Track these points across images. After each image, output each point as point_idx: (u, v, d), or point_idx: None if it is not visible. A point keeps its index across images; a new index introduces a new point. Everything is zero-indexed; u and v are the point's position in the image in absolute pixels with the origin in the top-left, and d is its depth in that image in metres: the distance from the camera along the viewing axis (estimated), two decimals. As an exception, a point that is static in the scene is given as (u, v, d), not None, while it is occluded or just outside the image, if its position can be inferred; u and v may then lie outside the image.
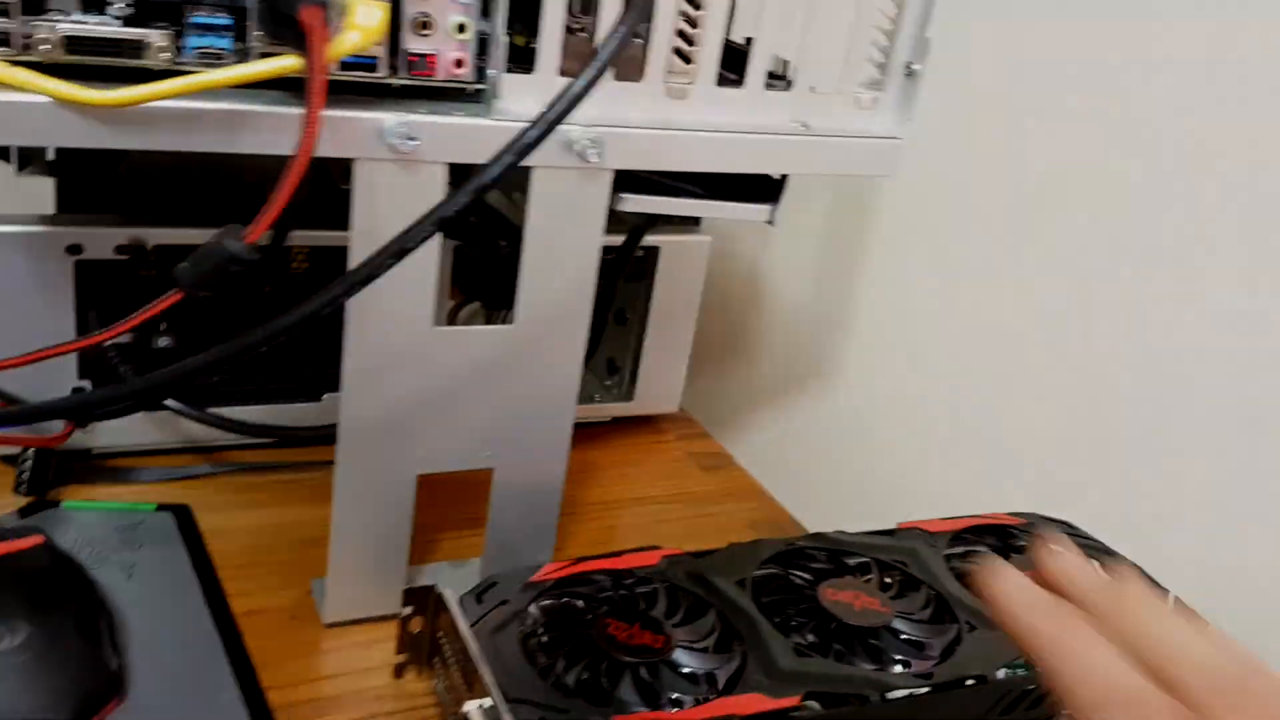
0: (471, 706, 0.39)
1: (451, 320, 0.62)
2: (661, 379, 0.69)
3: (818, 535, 0.52)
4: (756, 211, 0.49)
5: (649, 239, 0.64)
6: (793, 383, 0.79)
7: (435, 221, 0.32)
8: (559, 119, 0.33)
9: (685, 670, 0.42)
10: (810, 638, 0.45)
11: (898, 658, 0.44)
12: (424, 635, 0.44)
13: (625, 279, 0.66)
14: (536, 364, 0.46)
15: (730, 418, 0.83)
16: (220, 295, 0.32)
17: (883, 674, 0.43)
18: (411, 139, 0.38)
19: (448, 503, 0.57)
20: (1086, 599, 0.31)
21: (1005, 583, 0.32)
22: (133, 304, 0.37)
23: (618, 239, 0.59)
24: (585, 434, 0.69)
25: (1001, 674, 0.44)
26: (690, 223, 0.67)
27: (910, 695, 0.42)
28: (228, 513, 0.55)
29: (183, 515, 0.53)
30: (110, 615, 0.44)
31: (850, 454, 0.75)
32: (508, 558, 0.50)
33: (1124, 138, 0.56)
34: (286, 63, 0.33)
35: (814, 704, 0.41)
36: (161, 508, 0.54)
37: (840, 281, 0.74)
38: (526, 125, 0.34)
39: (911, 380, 0.70)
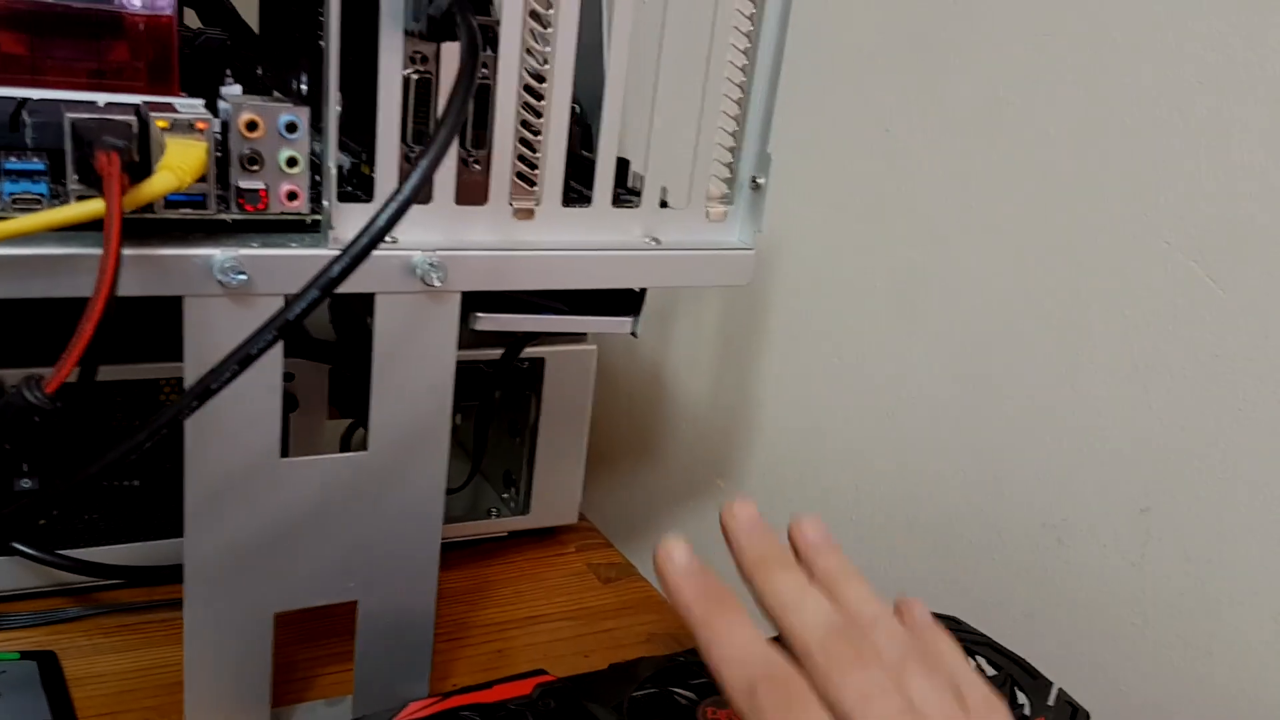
0: None
1: (346, 443, 0.61)
2: (558, 490, 0.69)
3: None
4: (618, 324, 0.49)
5: (534, 350, 0.64)
6: (697, 486, 0.79)
7: (239, 360, 0.32)
8: (362, 253, 0.33)
9: (552, 805, 0.40)
10: (685, 760, 0.43)
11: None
12: (282, 782, 0.42)
13: (515, 392, 0.66)
14: (395, 490, 0.45)
15: (634, 524, 0.82)
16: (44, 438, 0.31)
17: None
18: (240, 273, 0.37)
19: (324, 635, 0.56)
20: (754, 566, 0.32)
21: (671, 559, 0.33)
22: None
23: (496, 353, 0.59)
24: (482, 550, 0.68)
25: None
26: (575, 333, 0.67)
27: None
28: (96, 657, 0.53)
29: (46, 662, 0.51)
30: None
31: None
32: (381, 692, 0.48)
33: (991, 226, 0.58)
34: (91, 205, 0.33)
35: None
36: (25, 655, 0.51)
37: (741, 379, 0.75)
38: (332, 258, 0.34)
39: (808, 479, 0.70)
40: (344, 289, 0.40)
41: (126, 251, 0.36)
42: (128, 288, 0.37)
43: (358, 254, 0.33)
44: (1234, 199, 0.48)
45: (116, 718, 0.49)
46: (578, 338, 0.67)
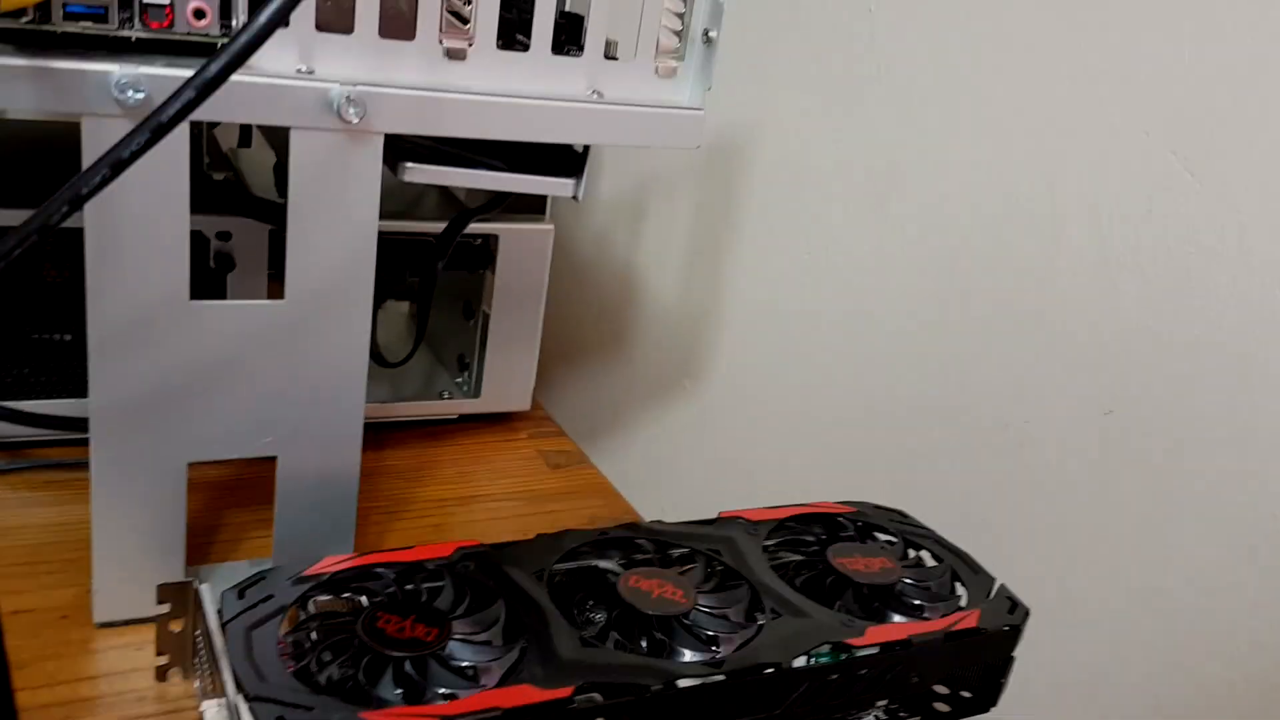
0: (209, 705, 0.37)
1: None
2: (510, 374, 0.67)
3: (632, 525, 0.49)
4: (559, 185, 0.47)
5: (487, 227, 0.62)
6: (664, 384, 0.77)
7: (111, 163, 0.30)
8: (242, 51, 0.31)
9: (457, 664, 0.39)
10: (599, 624, 0.42)
11: (692, 647, 0.42)
12: (186, 634, 0.42)
13: (469, 271, 0.64)
14: (314, 343, 0.43)
15: (597, 420, 0.81)
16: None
17: (671, 663, 0.41)
18: (138, 91, 0.35)
19: (254, 502, 0.55)
20: None
21: None
22: None
23: (441, 226, 0.57)
24: (431, 432, 0.67)
25: (799, 662, 0.42)
26: (533, 210, 0.65)
27: (700, 685, 0.40)
28: (20, 510, 0.52)
29: (-34, 514, 0.50)
30: None
31: (708, 453, 0.73)
32: (302, 553, 0.47)
33: (975, 117, 0.55)
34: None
35: (595, 695, 0.38)
36: (-53, 507, 0.50)
37: (711, 278, 0.73)
38: (184, 80, 0.32)
39: (775, 377, 0.69)
40: (258, 119, 0.38)
41: (20, 61, 0.34)
42: (23, 101, 0.35)
43: (237, 51, 0.30)
44: (1213, 89, 0.45)
45: (33, 568, 0.48)
46: (534, 217, 0.65)
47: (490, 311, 0.65)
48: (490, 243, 0.63)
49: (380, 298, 0.61)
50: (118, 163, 0.30)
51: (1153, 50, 0.47)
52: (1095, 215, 0.50)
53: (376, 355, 0.59)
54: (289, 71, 0.38)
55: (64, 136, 0.36)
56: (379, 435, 0.64)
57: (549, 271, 0.65)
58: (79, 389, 0.55)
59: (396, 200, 0.64)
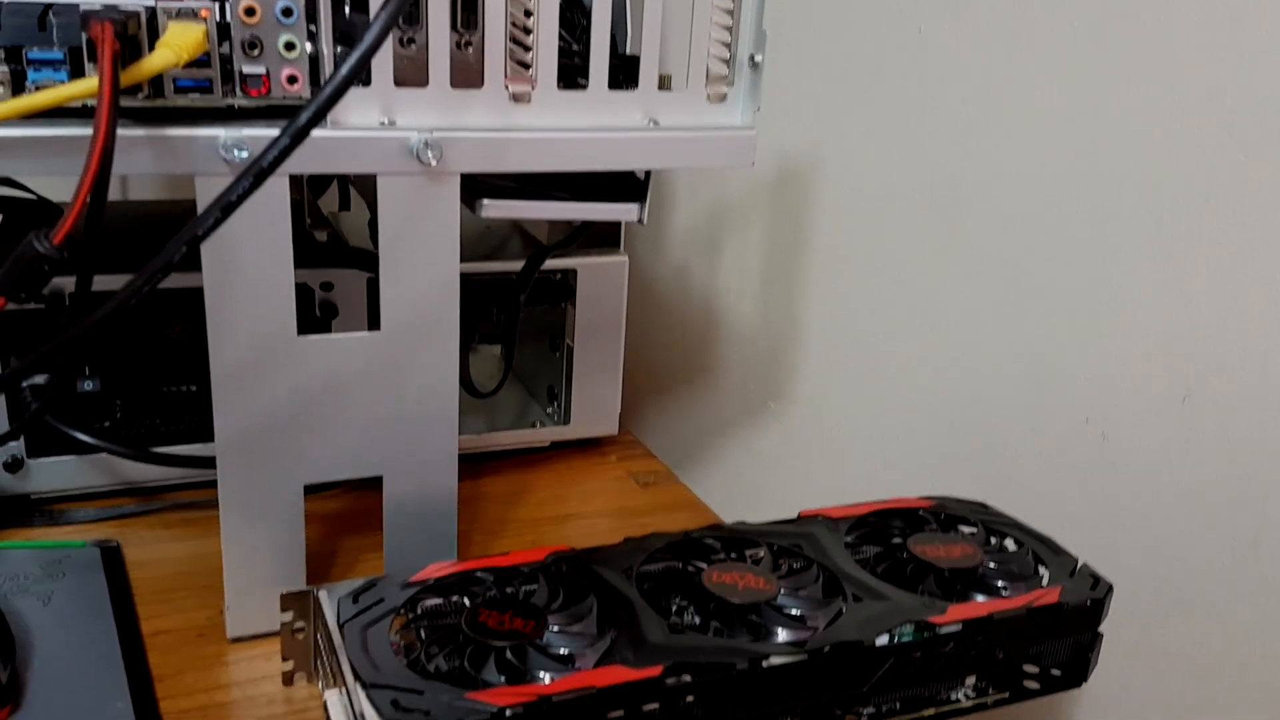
0: (331, 695, 0.40)
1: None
2: (597, 400, 0.70)
3: (715, 526, 0.52)
4: (624, 210, 0.50)
5: (564, 262, 0.66)
6: (748, 408, 0.79)
7: (222, 206, 0.35)
8: (327, 102, 0.35)
9: (554, 651, 0.42)
10: (688, 618, 0.45)
11: (777, 630, 0.44)
12: (308, 640, 0.45)
13: (551, 305, 0.68)
14: (409, 369, 0.47)
15: (684, 444, 0.84)
16: (34, 296, 0.34)
17: (757, 644, 0.43)
18: (242, 150, 0.40)
19: (364, 529, 0.59)
20: None
21: None
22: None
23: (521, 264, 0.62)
24: (526, 460, 0.70)
25: (882, 640, 0.44)
26: (608, 244, 0.69)
27: (785, 663, 0.42)
28: (156, 546, 0.57)
29: (109, 549, 0.55)
30: (7, 635, 0.45)
31: (794, 472, 0.75)
32: (410, 568, 0.51)
33: (1028, 122, 0.57)
34: (88, 81, 0.35)
35: (685, 674, 0.41)
36: (91, 544, 0.56)
37: (786, 302, 0.75)
38: (271, 140, 0.36)
39: (855, 395, 0.70)
40: (348, 169, 0.42)
41: (140, 132, 0.40)
42: (142, 165, 0.40)
43: (322, 102, 0.35)
44: (1262, 67, 0.46)
45: (171, 595, 0.52)
46: (609, 250, 0.68)
47: (574, 344, 0.68)
48: (569, 277, 0.67)
49: (469, 334, 0.66)
50: (227, 205, 0.35)
51: (1194, 35, 0.48)
52: (1154, 203, 0.51)
53: (470, 387, 0.63)
54: (373, 124, 0.43)
55: (175, 216, 0.41)
56: (476, 465, 0.68)
57: (627, 302, 0.69)
58: (204, 434, 0.61)
59: (482, 246, 0.68)
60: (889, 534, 0.52)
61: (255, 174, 0.35)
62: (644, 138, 0.47)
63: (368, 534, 0.59)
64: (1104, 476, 0.55)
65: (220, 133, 0.40)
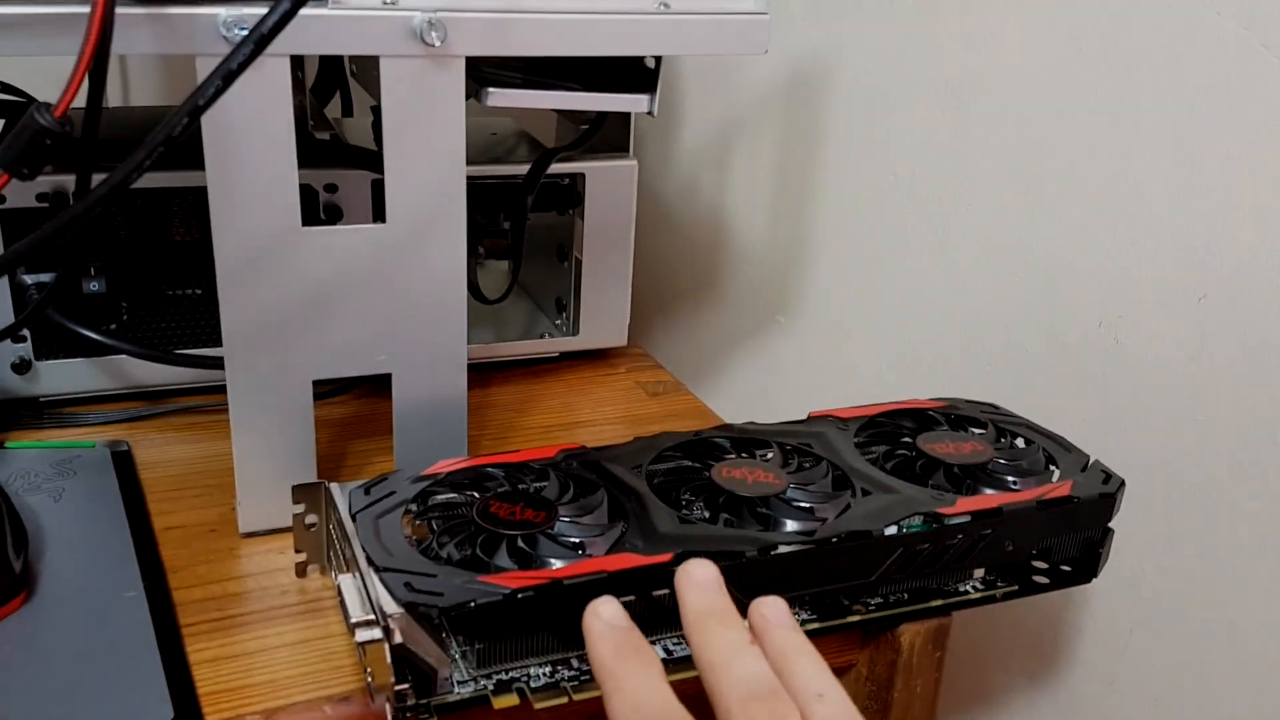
0: (345, 579, 0.40)
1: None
2: (605, 311, 0.70)
3: (725, 426, 0.52)
4: (633, 101, 0.49)
5: (572, 166, 0.65)
6: (758, 322, 0.79)
7: (223, 75, 0.34)
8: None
9: (565, 540, 0.42)
10: (698, 512, 0.45)
11: (786, 521, 0.44)
12: (320, 532, 0.45)
13: (559, 212, 0.67)
14: (416, 263, 0.47)
15: (694, 358, 0.83)
16: (35, 170, 0.33)
17: (765, 533, 0.43)
18: (242, 28, 0.39)
19: (376, 433, 0.59)
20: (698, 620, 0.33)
21: (598, 614, 0.33)
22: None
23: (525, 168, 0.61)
24: (534, 370, 0.70)
25: (890, 530, 0.43)
26: (617, 149, 0.67)
27: (794, 551, 0.42)
28: (166, 448, 0.57)
29: (119, 449, 0.55)
30: (19, 525, 0.46)
31: (805, 386, 0.75)
32: (420, 465, 0.51)
33: (1046, 19, 0.56)
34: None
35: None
36: (102, 444, 0.56)
37: (798, 215, 0.74)
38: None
39: (867, 304, 0.70)
40: (350, 50, 0.41)
41: (140, 10, 0.39)
42: (143, 44, 0.39)
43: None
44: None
45: (182, 493, 0.53)
46: (618, 154, 0.67)
47: (582, 255, 0.68)
48: (577, 182, 0.66)
49: (476, 240, 0.65)
50: (228, 74, 0.34)
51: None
52: (1173, 101, 0.50)
53: (477, 293, 0.63)
54: (374, 3, 0.42)
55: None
56: (485, 374, 0.68)
57: (636, 211, 0.68)
58: (211, 338, 0.61)
59: (488, 151, 0.67)
60: (899, 433, 0.52)
61: (256, 40, 0.34)
62: (655, 19, 0.46)
63: (377, 438, 0.59)
64: (1117, 378, 0.54)
65: (220, 11, 0.39)
